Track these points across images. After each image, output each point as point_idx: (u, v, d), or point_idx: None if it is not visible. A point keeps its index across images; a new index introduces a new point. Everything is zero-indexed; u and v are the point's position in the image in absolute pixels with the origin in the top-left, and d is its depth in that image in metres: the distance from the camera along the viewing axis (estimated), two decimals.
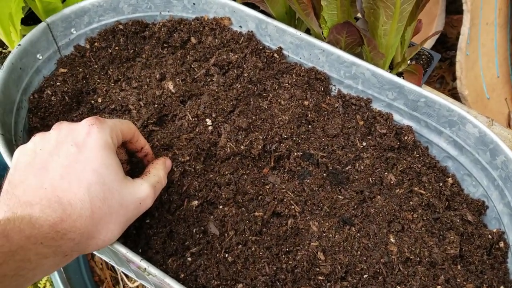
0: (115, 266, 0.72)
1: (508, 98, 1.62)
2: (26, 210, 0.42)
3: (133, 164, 0.60)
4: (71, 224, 0.43)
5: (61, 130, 0.49)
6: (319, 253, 0.57)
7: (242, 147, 0.64)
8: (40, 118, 0.67)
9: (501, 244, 0.61)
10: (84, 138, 0.48)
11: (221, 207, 0.61)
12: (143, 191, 0.50)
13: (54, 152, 0.47)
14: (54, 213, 0.42)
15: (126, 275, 1.01)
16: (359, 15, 0.74)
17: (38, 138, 0.49)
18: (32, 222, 0.41)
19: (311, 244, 0.58)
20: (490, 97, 1.57)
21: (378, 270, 0.57)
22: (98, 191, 0.46)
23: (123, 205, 0.48)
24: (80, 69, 0.73)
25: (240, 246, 0.58)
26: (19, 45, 0.66)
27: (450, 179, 0.68)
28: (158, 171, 0.55)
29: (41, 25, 0.70)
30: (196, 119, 0.66)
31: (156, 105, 0.67)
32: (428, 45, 1.53)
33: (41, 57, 0.70)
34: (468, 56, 1.46)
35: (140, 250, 0.57)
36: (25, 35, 0.68)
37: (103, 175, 0.47)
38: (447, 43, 1.73)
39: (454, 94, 1.62)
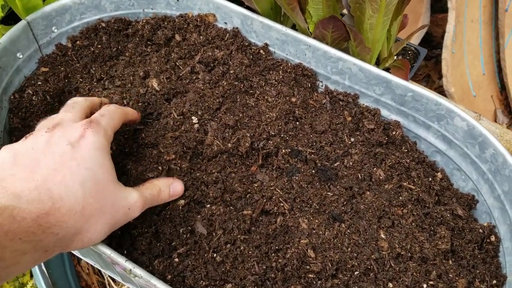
0: (101, 270, 0.71)
1: (494, 95, 1.63)
2: (11, 201, 0.40)
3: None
4: (58, 218, 0.42)
5: (55, 131, 0.48)
6: (309, 250, 0.56)
7: (229, 144, 0.62)
8: (21, 119, 0.65)
9: (492, 238, 0.60)
10: (79, 139, 0.47)
11: (208, 206, 0.60)
12: (133, 198, 0.50)
13: (47, 151, 0.46)
14: (41, 206, 0.41)
15: (113, 280, 0.99)
16: (345, 11, 0.74)
17: (29, 140, 0.47)
18: (14, 214, 0.39)
19: (301, 241, 0.57)
20: (476, 95, 1.57)
21: (369, 267, 0.56)
22: (92, 188, 0.45)
23: (115, 207, 0.47)
24: (62, 68, 0.71)
25: (228, 246, 0.57)
26: None
27: (439, 173, 0.67)
28: (154, 186, 0.54)
29: (21, 23, 0.68)
30: (181, 117, 0.65)
31: (140, 104, 0.66)
32: (414, 43, 1.54)
33: (21, 56, 0.68)
34: (454, 53, 1.47)
35: (125, 252, 0.56)
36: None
37: (97, 174, 0.46)
38: (432, 42, 1.74)
39: (441, 92, 1.63)
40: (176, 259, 0.55)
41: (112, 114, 0.54)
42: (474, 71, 1.57)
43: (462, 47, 1.51)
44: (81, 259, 0.97)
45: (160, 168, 0.59)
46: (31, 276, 1.00)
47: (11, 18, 0.84)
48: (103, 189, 0.46)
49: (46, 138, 0.47)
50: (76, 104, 0.55)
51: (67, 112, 0.53)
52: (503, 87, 1.64)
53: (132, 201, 0.50)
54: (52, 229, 0.41)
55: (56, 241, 0.42)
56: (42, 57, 0.71)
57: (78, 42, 0.73)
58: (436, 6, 1.64)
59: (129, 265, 0.49)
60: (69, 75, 0.70)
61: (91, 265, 1.02)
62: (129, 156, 0.62)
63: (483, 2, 1.55)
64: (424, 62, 1.71)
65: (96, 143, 0.48)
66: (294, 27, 0.77)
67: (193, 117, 0.65)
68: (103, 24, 0.75)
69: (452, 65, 1.44)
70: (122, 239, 0.56)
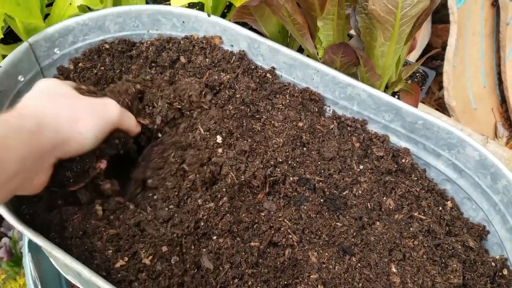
0: None
1: (495, 108, 1.63)
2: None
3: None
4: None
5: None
6: (319, 286, 0.55)
7: (242, 177, 0.61)
8: None
9: (505, 272, 0.59)
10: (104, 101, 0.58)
11: (215, 238, 0.58)
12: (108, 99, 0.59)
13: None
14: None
15: None
16: (352, 31, 0.72)
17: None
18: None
19: (311, 276, 0.56)
20: (476, 107, 1.57)
21: None
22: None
23: (92, 106, 0.56)
24: None
25: (236, 280, 0.55)
26: (0, 67, 0.63)
27: (449, 202, 0.66)
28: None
29: (23, 46, 0.66)
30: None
31: (144, 129, 0.64)
32: (414, 56, 1.53)
33: (22, 79, 0.67)
34: (455, 66, 1.46)
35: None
36: (4, 54, 0.65)
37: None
38: None
39: (440, 104, 1.62)
40: None
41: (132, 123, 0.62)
42: (475, 84, 1.57)
43: (463, 60, 1.51)
44: None
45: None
46: None
47: (10, 37, 0.82)
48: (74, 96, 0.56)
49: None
50: None
51: None
52: (503, 99, 1.64)
53: (107, 99, 0.58)
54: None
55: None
56: None
57: (80, 64, 0.71)
58: (435, 17, 1.63)
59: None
60: None
61: None
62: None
63: (485, 16, 1.54)
64: None
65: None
66: (300, 50, 0.76)
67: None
68: (107, 46, 0.73)
69: (453, 78, 1.43)
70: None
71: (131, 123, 0.61)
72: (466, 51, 1.51)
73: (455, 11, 1.41)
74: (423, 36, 1.60)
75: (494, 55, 1.63)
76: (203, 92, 0.66)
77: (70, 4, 0.72)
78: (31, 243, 0.80)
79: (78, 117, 0.53)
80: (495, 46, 1.62)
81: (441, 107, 1.60)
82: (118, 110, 0.58)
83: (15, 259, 1.03)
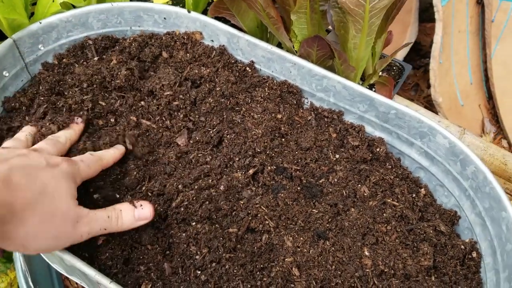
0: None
1: (482, 104, 1.65)
2: None
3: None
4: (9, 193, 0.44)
5: (32, 152, 0.51)
6: (293, 268, 0.57)
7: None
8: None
9: (474, 254, 0.61)
10: (54, 164, 0.50)
11: (194, 224, 0.60)
12: (85, 212, 0.51)
13: (24, 155, 0.49)
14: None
15: None
16: (330, 27, 0.74)
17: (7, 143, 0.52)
18: None
19: (286, 260, 0.58)
20: (464, 104, 1.59)
21: (353, 284, 0.57)
22: (50, 190, 0.47)
23: (64, 215, 0.48)
24: (47, 87, 0.71)
25: (213, 264, 0.57)
26: None
27: (422, 189, 0.68)
28: (113, 209, 0.54)
29: (7, 42, 0.68)
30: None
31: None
32: (402, 53, 1.55)
33: (7, 74, 0.69)
34: (442, 64, 1.49)
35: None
36: None
37: (60, 184, 0.49)
38: (421, 51, 1.75)
39: (429, 101, 1.64)
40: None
41: (90, 163, 0.56)
42: (461, 81, 1.59)
43: (449, 58, 1.53)
44: None
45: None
46: None
47: None
48: (60, 197, 0.48)
49: (24, 152, 0.50)
50: (58, 143, 0.57)
51: (47, 144, 0.56)
52: (490, 96, 1.66)
53: (82, 214, 0.50)
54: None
55: None
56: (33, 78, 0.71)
57: (64, 59, 0.73)
58: (424, 15, 1.65)
59: (113, 286, 0.50)
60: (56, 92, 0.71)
61: None
62: None
63: (470, 13, 1.57)
64: (412, 71, 1.73)
65: (69, 172, 0.51)
66: (279, 45, 0.78)
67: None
68: (90, 42, 0.75)
69: (439, 75, 1.46)
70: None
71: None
72: (452, 48, 1.54)
73: (440, 9, 1.43)
74: (410, 34, 1.62)
75: (481, 52, 1.65)
76: (177, 83, 0.68)
77: (53, 1, 0.74)
78: None
79: (40, 213, 0.46)
80: (481, 43, 1.64)
81: (430, 104, 1.62)
82: (88, 223, 0.50)
83: (7, 255, 1.05)
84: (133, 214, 0.55)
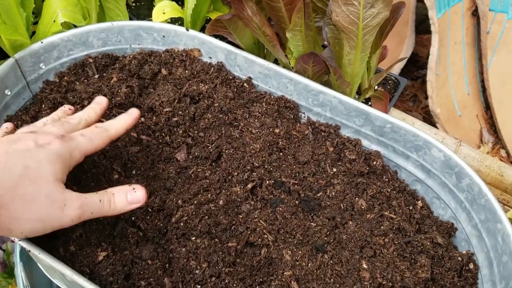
0: None
1: (479, 114, 1.66)
2: None
3: None
4: None
5: (26, 134, 0.51)
6: (292, 282, 0.58)
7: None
8: None
9: (471, 266, 0.62)
10: (44, 144, 0.49)
11: (193, 238, 0.61)
12: (72, 195, 0.49)
13: (11, 142, 0.49)
14: None
15: None
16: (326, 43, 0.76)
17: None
18: None
19: (285, 273, 0.58)
20: (461, 114, 1.60)
21: None
22: (32, 173, 0.46)
23: (48, 198, 0.47)
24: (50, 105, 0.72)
25: (213, 279, 0.58)
26: None
27: (419, 202, 0.69)
28: (105, 192, 0.53)
29: (9, 61, 0.69)
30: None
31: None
32: (399, 65, 1.57)
33: (9, 93, 0.70)
34: (439, 75, 1.50)
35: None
36: None
37: (44, 167, 0.48)
38: (418, 62, 1.77)
39: (428, 112, 1.66)
40: None
41: (92, 136, 0.54)
42: (459, 92, 1.60)
43: (446, 69, 1.54)
44: None
45: None
46: None
47: None
48: (43, 178, 0.47)
49: (16, 136, 0.50)
50: (66, 123, 0.56)
51: (54, 126, 0.55)
52: (487, 106, 1.67)
53: (70, 197, 0.49)
54: None
55: None
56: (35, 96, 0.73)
57: (65, 77, 0.75)
58: (421, 27, 1.67)
59: None
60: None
61: None
62: None
63: (466, 25, 1.59)
64: (410, 82, 1.75)
65: (59, 151, 0.50)
66: (276, 61, 0.80)
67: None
68: (91, 60, 0.77)
69: (437, 86, 1.47)
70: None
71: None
72: (449, 59, 1.55)
73: (436, 22, 1.45)
74: (407, 46, 1.63)
75: (477, 63, 1.67)
76: (176, 100, 0.70)
77: (54, 21, 0.75)
78: (22, 252, 0.83)
79: (26, 198, 0.46)
80: (477, 55, 1.66)
81: (428, 114, 1.63)
82: (77, 207, 0.49)
83: (9, 271, 1.05)
84: (126, 197, 0.53)
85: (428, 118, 1.49)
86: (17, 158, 0.47)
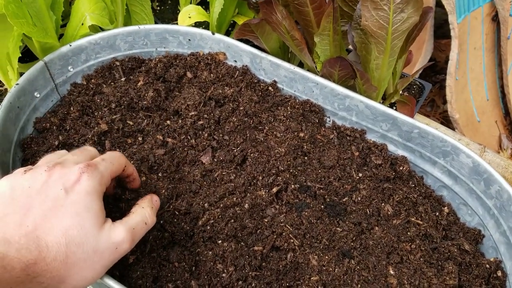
0: None
1: (498, 120, 1.65)
2: (2, 247, 0.41)
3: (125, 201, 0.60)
4: (43, 267, 0.42)
5: (53, 173, 0.49)
6: (319, 287, 0.57)
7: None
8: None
9: (499, 273, 0.61)
10: (73, 184, 0.48)
11: (220, 242, 0.61)
12: (118, 235, 0.49)
13: (42, 192, 0.46)
14: (29, 255, 0.42)
15: None
16: (350, 46, 0.76)
17: (29, 175, 0.48)
18: (5, 264, 0.40)
19: (311, 278, 0.58)
20: (480, 120, 1.59)
21: None
22: (75, 236, 0.45)
23: (98, 252, 0.47)
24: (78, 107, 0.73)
25: (240, 282, 0.58)
26: (17, 84, 0.67)
27: (446, 208, 0.68)
28: (142, 211, 0.54)
29: (39, 64, 0.70)
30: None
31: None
32: (418, 70, 1.56)
33: (38, 95, 0.71)
34: (458, 80, 1.49)
35: None
36: (21, 72, 0.69)
37: (83, 219, 0.46)
38: (436, 67, 1.76)
39: (445, 117, 1.65)
40: None
41: (113, 159, 0.55)
42: (478, 97, 1.59)
43: (465, 74, 1.53)
44: None
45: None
46: None
47: (27, 56, 0.87)
48: (86, 235, 0.46)
49: (44, 178, 0.48)
50: (85, 151, 0.56)
51: (74, 155, 0.54)
52: (507, 112, 1.66)
53: (119, 239, 0.49)
54: (38, 278, 0.42)
55: None
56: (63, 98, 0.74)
57: (93, 80, 0.76)
58: (439, 32, 1.66)
59: None
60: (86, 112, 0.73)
61: None
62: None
63: (485, 30, 1.57)
64: None
65: (89, 188, 0.48)
66: (301, 64, 0.80)
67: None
68: (117, 63, 0.77)
69: (456, 91, 1.46)
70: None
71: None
72: (468, 65, 1.54)
73: (456, 26, 1.44)
74: (425, 51, 1.63)
75: (496, 68, 1.66)
76: (201, 103, 0.70)
77: (82, 24, 0.76)
78: None
79: (78, 265, 0.45)
80: (497, 60, 1.65)
81: (446, 120, 1.62)
82: (129, 243, 0.50)
83: None
84: (154, 209, 0.55)
85: (446, 124, 1.48)
86: (58, 222, 0.45)
